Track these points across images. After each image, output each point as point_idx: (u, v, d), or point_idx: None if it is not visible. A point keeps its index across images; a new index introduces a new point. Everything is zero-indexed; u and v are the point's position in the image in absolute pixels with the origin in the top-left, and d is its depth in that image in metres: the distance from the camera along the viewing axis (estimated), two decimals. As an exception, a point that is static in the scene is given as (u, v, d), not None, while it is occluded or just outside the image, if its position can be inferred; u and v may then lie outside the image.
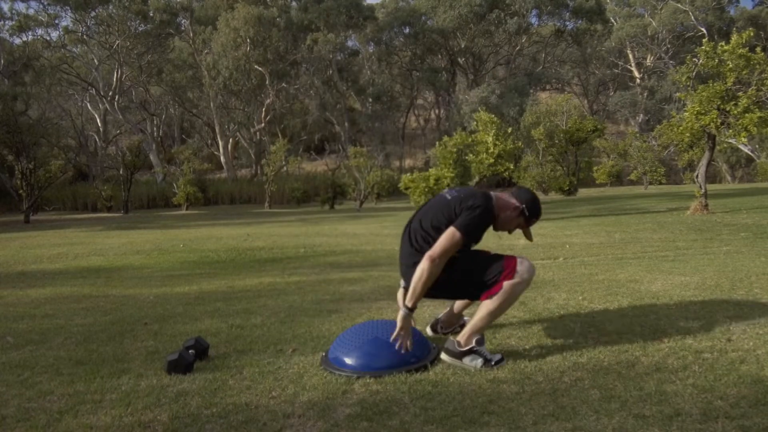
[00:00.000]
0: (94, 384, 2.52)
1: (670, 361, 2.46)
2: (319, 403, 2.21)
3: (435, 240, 2.57)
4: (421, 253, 2.57)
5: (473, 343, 2.53)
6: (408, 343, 2.54)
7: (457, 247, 2.53)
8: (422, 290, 2.53)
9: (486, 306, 2.57)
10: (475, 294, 2.65)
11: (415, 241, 2.66)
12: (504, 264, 2.57)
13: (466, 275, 2.61)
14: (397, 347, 2.52)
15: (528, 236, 2.85)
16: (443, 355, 2.58)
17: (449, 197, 2.67)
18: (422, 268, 2.51)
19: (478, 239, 2.64)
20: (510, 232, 2.79)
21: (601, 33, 38.48)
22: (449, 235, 2.52)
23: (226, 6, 32.49)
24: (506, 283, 2.53)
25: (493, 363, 2.52)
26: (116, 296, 4.92)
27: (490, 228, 2.74)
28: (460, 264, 2.60)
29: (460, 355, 2.54)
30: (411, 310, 2.55)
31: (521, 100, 30.98)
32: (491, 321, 2.62)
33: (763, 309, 3.23)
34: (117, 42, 31.79)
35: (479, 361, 2.51)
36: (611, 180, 29.10)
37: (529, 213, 2.69)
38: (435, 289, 2.64)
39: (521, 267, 2.55)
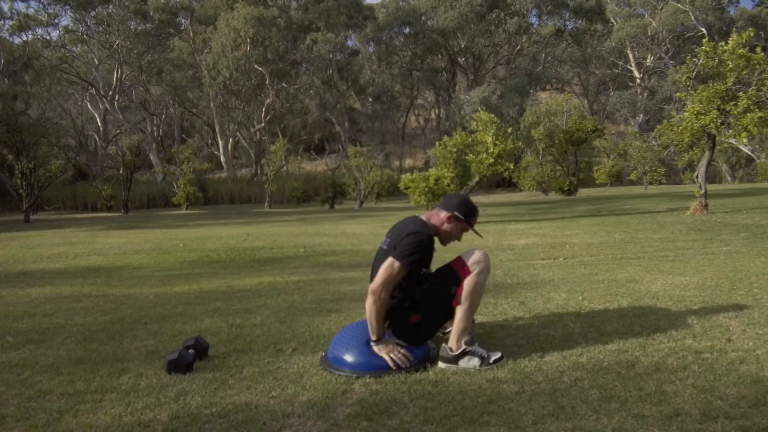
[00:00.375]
0: (94, 383, 2.52)
1: (670, 361, 2.46)
2: (318, 403, 2.21)
3: (388, 254, 2.60)
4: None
5: (463, 345, 2.55)
6: (403, 355, 2.54)
7: (398, 275, 2.54)
8: (378, 322, 2.56)
9: (459, 309, 2.61)
10: (451, 308, 2.70)
11: None
12: (456, 270, 2.61)
13: (436, 302, 2.64)
14: (400, 365, 2.51)
15: (477, 234, 2.89)
16: (440, 364, 2.58)
17: (385, 247, 2.71)
18: (368, 304, 2.56)
19: (422, 262, 2.64)
20: (459, 239, 2.79)
21: (601, 33, 38.46)
22: (387, 265, 2.55)
23: (225, 6, 32.46)
24: (466, 281, 2.57)
25: (491, 361, 2.53)
26: (116, 296, 4.92)
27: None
28: (426, 298, 2.65)
29: (454, 360, 2.55)
30: (378, 340, 2.57)
31: (521, 100, 30.97)
32: (470, 318, 2.65)
33: (762, 309, 3.23)
34: (117, 41, 31.79)
35: (476, 361, 2.53)
36: (611, 180, 29.08)
37: (463, 216, 2.72)
38: (424, 329, 2.69)
39: (472, 259, 2.59)
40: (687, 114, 11.04)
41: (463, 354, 2.54)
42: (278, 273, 5.97)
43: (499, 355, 2.57)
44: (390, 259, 2.55)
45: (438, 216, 2.74)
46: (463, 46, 37.69)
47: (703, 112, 10.58)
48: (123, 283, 5.67)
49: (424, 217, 2.76)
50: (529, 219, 12.89)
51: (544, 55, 40.67)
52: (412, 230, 2.61)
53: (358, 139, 37.95)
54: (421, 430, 1.94)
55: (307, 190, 28.88)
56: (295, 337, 3.18)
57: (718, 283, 4.03)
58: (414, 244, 2.55)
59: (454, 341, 2.58)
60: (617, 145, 28.46)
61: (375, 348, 2.56)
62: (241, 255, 7.79)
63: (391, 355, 2.52)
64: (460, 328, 2.59)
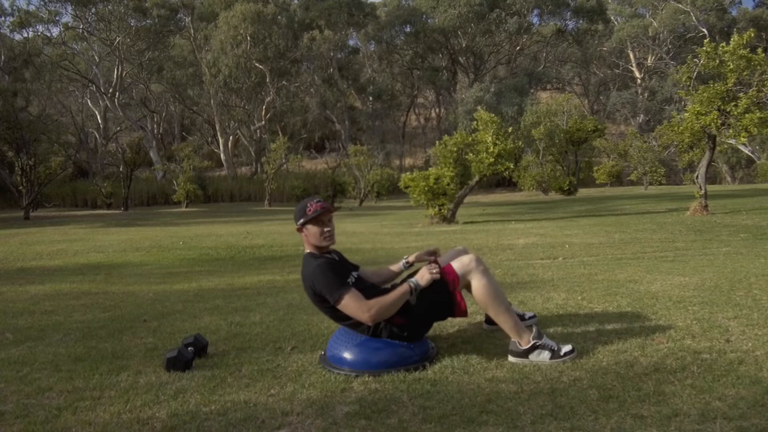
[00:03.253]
0: (93, 380, 2.53)
1: (669, 362, 2.46)
2: (317, 401, 2.21)
3: (326, 305, 2.61)
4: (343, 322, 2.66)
5: (531, 339, 2.53)
6: (435, 268, 2.55)
7: (355, 299, 2.52)
8: (398, 299, 2.53)
9: (491, 314, 2.63)
10: (445, 312, 2.67)
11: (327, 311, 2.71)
12: (444, 275, 2.59)
13: (419, 303, 2.60)
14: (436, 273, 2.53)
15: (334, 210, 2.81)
16: (510, 358, 2.56)
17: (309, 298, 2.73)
18: (380, 318, 2.52)
19: (344, 275, 2.64)
20: (329, 229, 2.69)
21: (602, 33, 38.44)
22: (344, 307, 2.54)
23: (224, 5, 32.36)
24: (473, 290, 2.59)
25: (562, 353, 2.51)
26: (115, 293, 4.92)
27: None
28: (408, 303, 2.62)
29: (525, 354, 2.53)
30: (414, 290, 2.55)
31: (520, 99, 30.92)
32: (508, 313, 2.61)
33: (762, 310, 3.23)
34: (117, 39, 31.75)
35: (546, 354, 2.51)
36: (611, 180, 29.09)
37: (301, 219, 2.68)
38: (419, 327, 2.65)
39: (459, 266, 2.59)
40: (687, 114, 11.04)
41: (533, 348, 2.52)
42: (278, 271, 5.97)
43: (570, 347, 2.54)
44: (340, 305, 2.53)
45: (303, 238, 2.75)
46: (463, 45, 37.65)
47: (704, 112, 10.58)
48: (122, 281, 5.67)
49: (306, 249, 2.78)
50: (529, 219, 12.89)
51: (544, 54, 40.63)
52: (307, 273, 2.64)
53: (358, 137, 37.92)
54: (419, 428, 1.94)
55: (307, 188, 28.84)
56: (295, 335, 3.18)
57: (718, 284, 4.03)
58: (322, 277, 2.56)
59: (518, 338, 2.56)
60: (617, 146, 28.47)
61: (419, 281, 2.54)
62: (241, 253, 7.79)
63: (431, 274, 2.53)
64: (510, 326, 2.58)
